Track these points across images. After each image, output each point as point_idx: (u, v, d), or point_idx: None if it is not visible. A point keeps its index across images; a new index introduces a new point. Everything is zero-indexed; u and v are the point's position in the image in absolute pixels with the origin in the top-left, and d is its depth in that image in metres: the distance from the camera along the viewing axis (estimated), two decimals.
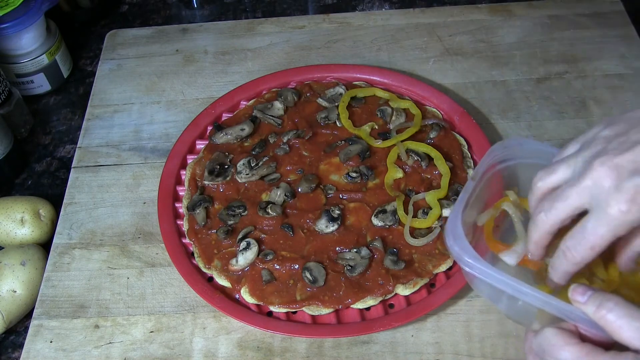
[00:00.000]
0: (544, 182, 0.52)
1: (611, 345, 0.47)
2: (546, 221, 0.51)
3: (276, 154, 0.80)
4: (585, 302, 0.48)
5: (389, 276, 0.69)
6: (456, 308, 0.70)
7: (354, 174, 0.77)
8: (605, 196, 0.47)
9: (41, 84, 0.96)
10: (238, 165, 0.79)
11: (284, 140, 0.81)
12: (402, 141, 0.79)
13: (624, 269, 0.54)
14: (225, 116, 0.88)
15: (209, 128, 0.86)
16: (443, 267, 0.71)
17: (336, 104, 0.85)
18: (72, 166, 0.86)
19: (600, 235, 0.47)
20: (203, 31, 1.02)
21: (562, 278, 0.52)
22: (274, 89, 0.89)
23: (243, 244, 0.72)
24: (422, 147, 0.79)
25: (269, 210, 0.74)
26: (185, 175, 0.81)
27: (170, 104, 0.92)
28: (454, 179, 0.77)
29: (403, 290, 0.69)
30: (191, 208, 0.76)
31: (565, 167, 0.51)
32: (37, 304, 0.73)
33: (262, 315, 0.69)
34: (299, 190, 0.76)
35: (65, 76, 0.99)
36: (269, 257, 0.71)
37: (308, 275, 0.69)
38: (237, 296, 0.71)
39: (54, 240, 0.78)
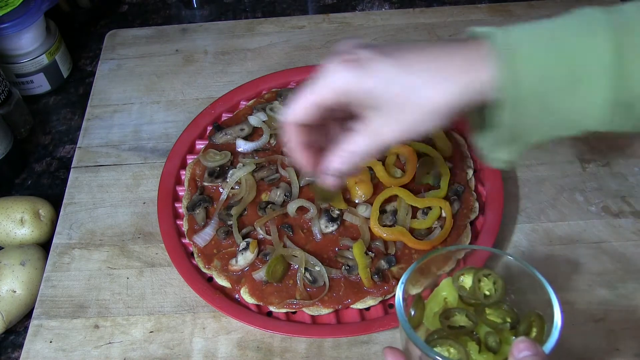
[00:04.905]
0: None
1: None
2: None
3: (278, 153, 0.80)
4: (518, 359, 0.46)
5: (388, 277, 0.69)
6: None
7: None
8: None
9: (41, 84, 0.96)
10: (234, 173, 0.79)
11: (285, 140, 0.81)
12: None
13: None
14: (225, 116, 0.88)
15: (209, 128, 0.86)
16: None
17: None
18: (72, 166, 0.86)
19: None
20: (203, 31, 1.02)
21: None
22: (273, 89, 0.89)
23: (243, 244, 0.72)
24: (422, 147, 0.79)
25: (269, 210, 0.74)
26: (185, 175, 0.81)
27: (170, 104, 0.92)
28: (454, 179, 0.77)
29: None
30: (191, 208, 0.76)
31: None
32: (36, 304, 0.73)
33: (261, 315, 0.69)
34: (301, 184, 0.76)
35: (65, 76, 0.99)
36: (268, 257, 0.71)
37: (308, 275, 0.69)
38: (236, 296, 0.71)
39: (54, 240, 0.78)
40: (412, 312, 0.55)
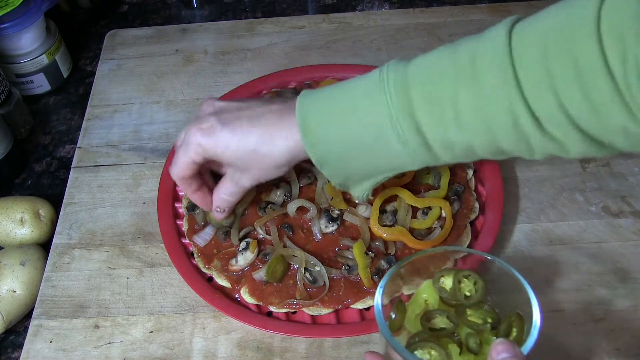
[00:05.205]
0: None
1: None
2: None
3: None
4: None
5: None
6: None
7: None
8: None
9: (41, 84, 0.96)
10: None
11: None
12: None
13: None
14: None
15: None
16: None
17: None
18: (72, 166, 0.86)
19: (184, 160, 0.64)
20: (203, 31, 1.02)
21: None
22: (274, 89, 0.89)
23: (243, 244, 0.72)
24: None
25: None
26: None
27: (170, 104, 0.92)
28: (454, 179, 0.77)
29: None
30: (191, 208, 0.76)
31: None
32: (36, 304, 0.73)
33: (261, 315, 0.69)
34: (301, 184, 0.76)
35: (65, 76, 0.99)
36: (268, 257, 0.71)
37: (308, 275, 0.69)
38: (236, 296, 0.71)
39: (54, 240, 0.78)
40: (393, 316, 0.55)
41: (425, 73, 0.54)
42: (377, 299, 0.53)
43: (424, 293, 0.56)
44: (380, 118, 0.54)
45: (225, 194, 0.67)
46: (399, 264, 0.56)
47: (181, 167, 0.64)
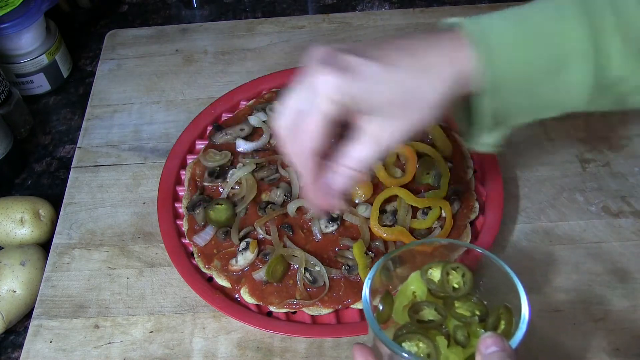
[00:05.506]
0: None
1: None
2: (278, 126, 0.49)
3: (278, 153, 0.80)
4: (485, 355, 0.46)
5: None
6: None
7: None
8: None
9: (41, 84, 0.96)
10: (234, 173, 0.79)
11: None
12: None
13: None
14: (225, 116, 0.88)
15: (209, 128, 0.86)
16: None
17: None
18: (72, 166, 0.86)
19: (314, 122, 0.47)
20: (203, 31, 1.02)
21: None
22: (273, 89, 0.89)
23: (243, 244, 0.72)
24: (422, 147, 0.79)
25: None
26: (185, 175, 0.81)
27: (170, 104, 0.92)
28: (454, 179, 0.77)
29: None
30: (191, 208, 0.76)
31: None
32: (36, 304, 0.73)
33: (261, 315, 0.69)
34: (300, 184, 0.76)
35: (65, 76, 0.99)
36: (268, 257, 0.71)
37: (308, 275, 0.69)
38: (236, 296, 0.71)
39: (54, 240, 0.78)
40: (381, 307, 0.54)
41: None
42: (365, 291, 0.53)
43: (412, 285, 0.56)
44: (577, 43, 0.48)
45: (358, 157, 0.49)
46: (387, 255, 0.56)
47: (313, 133, 0.48)
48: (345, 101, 0.47)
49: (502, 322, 0.51)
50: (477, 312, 0.52)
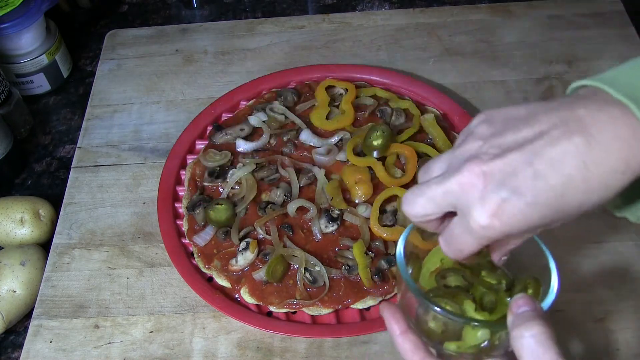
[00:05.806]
0: (422, 179, 0.48)
1: None
2: (410, 214, 0.47)
3: (278, 153, 0.80)
4: (517, 314, 0.45)
5: (388, 277, 0.69)
6: None
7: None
8: (470, 205, 0.43)
9: (41, 84, 0.96)
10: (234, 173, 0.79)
11: (284, 140, 0.81)
12: (402, 142, 0.79)
13: (498, 263, 0.54)
14: (225, 116, 0.88)
15: (209, 128, 0.86)
16: None
17: (336, 103, 0.85)
18: (72, 166, 0.86)
19: (465, 241, 0.45)
20: (203, 31, 1.02)
21: None
22: (273, 89, 0.89)
23: (243, 244, 0.72)
24: (421, 147, 0.79)
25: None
26: (185, 175, 0.81)
27: (170, 104, 0.92)
28: None
29: None
30: (191, 208, 0.76)
31: (441, 163, 0.47)
32: (36, 304, 0.73)
33: (261, 315, 0.69)
34: (301, 184, 0.77)
35: (65, 76, 0.99)
36: (268, 257, 0.71)
37: (308, 275, 0.69)
38: (236, 296, 0.71)
39: (54, 240, 0.78)
40: (410, 270, 0.54)
41: None
42: (400, 249, 0.52)
43: (441, 253, 0.56)
44: None
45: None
46: None
47: (465, 252, 0.47)
48: (497, 236, 0.43)
49: (529, 291, 0.51)
50: (504, 282, 0.53)
